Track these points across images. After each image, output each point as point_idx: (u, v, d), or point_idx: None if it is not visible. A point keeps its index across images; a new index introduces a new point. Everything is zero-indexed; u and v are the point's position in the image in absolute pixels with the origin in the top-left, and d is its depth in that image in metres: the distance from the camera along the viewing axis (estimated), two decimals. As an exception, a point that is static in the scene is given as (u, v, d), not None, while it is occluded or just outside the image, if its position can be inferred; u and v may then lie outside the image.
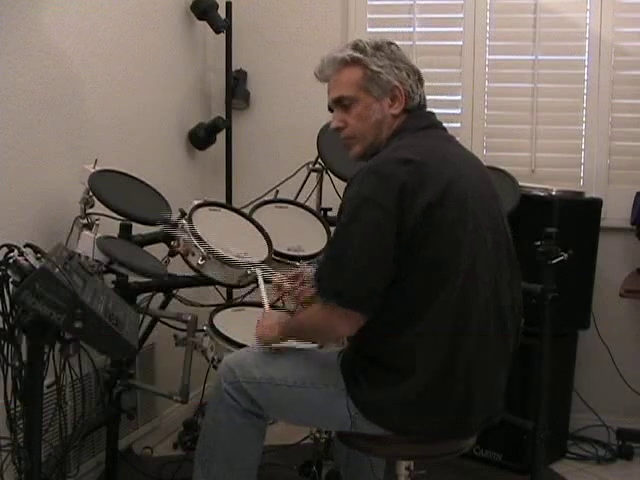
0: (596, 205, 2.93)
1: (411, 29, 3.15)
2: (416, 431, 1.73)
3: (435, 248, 1.65)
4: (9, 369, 1.66)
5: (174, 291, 2.49)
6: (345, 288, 1.65)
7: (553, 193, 2.79)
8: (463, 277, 1.67)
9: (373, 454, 1.90)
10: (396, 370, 1.69)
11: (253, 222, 2.46)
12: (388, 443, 1.77)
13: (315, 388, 1.78)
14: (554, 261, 2.34)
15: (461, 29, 3.15)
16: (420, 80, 1.83)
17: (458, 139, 1.92)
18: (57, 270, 1.57)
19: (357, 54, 1.78)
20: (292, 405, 1.82)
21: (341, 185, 2.87)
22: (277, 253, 2.39)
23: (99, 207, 2.20)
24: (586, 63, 3.07)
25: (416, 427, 1.72)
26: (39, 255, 1.65)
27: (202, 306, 2.52)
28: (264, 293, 2.11)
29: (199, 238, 2.20)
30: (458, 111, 3.15)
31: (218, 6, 3.19)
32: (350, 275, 1.64)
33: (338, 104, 1.83)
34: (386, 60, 1.78)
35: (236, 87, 3.34)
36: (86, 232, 2.06)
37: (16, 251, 1.59)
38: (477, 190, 1.75)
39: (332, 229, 2.62)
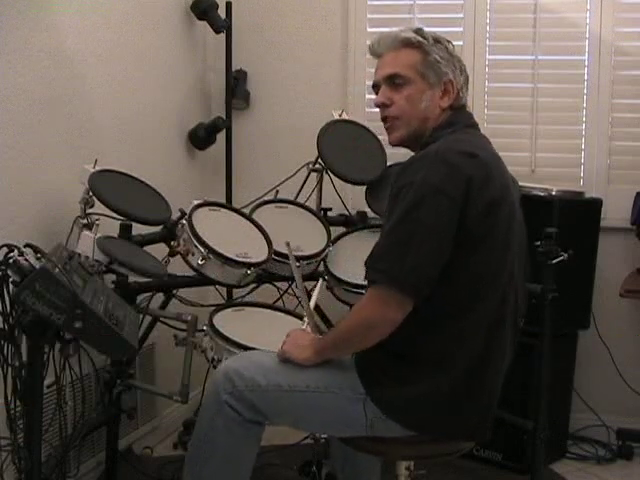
0: (596, 205, 2.93)
1: (411, 29, 3.15)
2: (440, 431, 1.72)
3: (489, 248, 1.65)
4: (9, 369, 1.67)
5: (174, 291, 2.49)
6: (406, 273, 1.59)
7: (553, 193, 2.79)
8: (506, 279, 1.69)
9: (373, 454, 1.90)
10: (425, 367, 1.68)
11: (253, 222, 2.46)
12: (389, 443, 1.76)
13: (330, 392, 1.73)
14: (554, 261, 2.34)
15: (461, 29, 3.16)
16: (468, 83, 1.84)
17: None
18: (57, 270, 1.57)
19: (419, 38, 1.77)
20: (304, 412, 1.77)
21: (341, 185, 2.88)
22: (277, 253, 2.39)
23: (99, 207, 2.20)
24: (586, 63, 3.07)
25: (441, 427, 1.70)
26: (39, 255, 1.64)
27: (202, 306, 2.52)
28: (311, 308, 2.05)
29: (199, 238, 2.21)
30: (458, 111, 3.15)
31: (218, 6, 3.20)
32: (414, 261, 1.59)
33: (389, 82, 1.79)
34: (445, 53, 1.78)
35: (236, 87, 3.34)
36: (86, 232, 2.06)
37: (16, 251, 1.59)
38: (515, 193, 1.77)
39: (332, 229, 2.63)
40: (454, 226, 1.61)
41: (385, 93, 1.80)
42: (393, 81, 1.78)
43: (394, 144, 1.84)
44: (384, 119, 1.82)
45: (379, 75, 1.82)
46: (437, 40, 1.79)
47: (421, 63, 1.76)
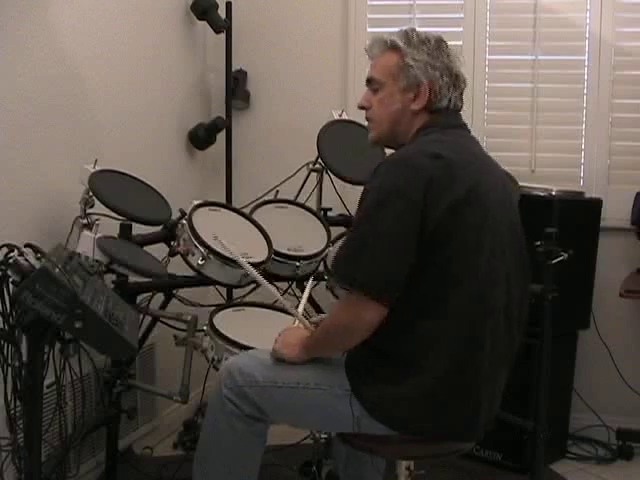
0: (596, 205, 2.93)
1: (411, 29, 3.15)
2: (423, 431, 1.72)
3: (456, 247, 1.65)
4: (9, 369, 1.67)
5: (174, 291, 2.49)
6: (366, 277, 1.62)
7: (553, 193, 2.79)
8: (480, 278, 1.68)
9: (373, 454, 1.90)
10: (406, 367, 1.68)
11: (253, 222, 2.46)
12: (388, 443, 1.76)
13: (320, 389, 1.76)
14: (554, 261, 2.34)
15: (461, 29, 3.16)
16: (456, 84, 1.81)
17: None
18: (57, 270, 1.57)
19: (399, 41, 1.78)
20: (296, 407, 1.80)
21: (341, 185, 2.88)
22: (277, 253, 2.39)
23: (99, 207, 2.20)
24: (586, 63, 3.07)
25: (423, 427, 1.70)
26: (39, 255, 1.65)
27: (202, 306, 2.52)
28: (302, 307, 2.07)
29: (199, 238, 2.21)
30: (458, 111, 3.15)
31: (218, 6, 3.20)
32: (372, 264, 1.62)
33: (369, 84, 1.85)
34: (425, 55, 1.77)
35: (236, 87, 3.34)
36: (86, 232, 2.06)
37: (16, 251, 1.59)
38: (498, 195, 1.76)
39: (332, 229, 2.63)
40: (416, 228, 1.62)
41: (365, 95, 1.86)
42: (372, 85, 1.84)
43: (371, 144, 1.90)
44: (366, 119, 1.88)
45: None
46: (423, 42, 1.78)
47: (395, 66, 1.78)
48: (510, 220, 1.79)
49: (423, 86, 1.76)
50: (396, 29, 1.84)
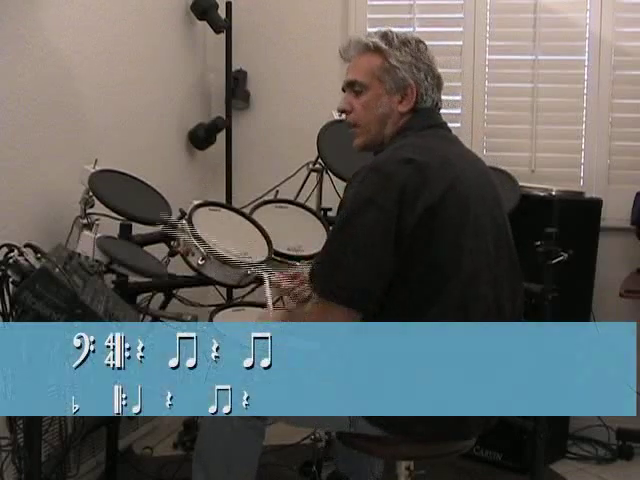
0: (596, 205, 2.93)
1: (411, 29, 3.15)
2: (415, 432, 1.72)
3: (435, 251, 1.64)
4: (9, 369, 1.67)
5: (174, 291, 2.49)
6: (341, 287, 1.63)
7: (553, 193, 2.79)
8: (464, 280, 1.67)
9: (373, 454, 1.90)
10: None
11: (253, 222, 2.46)
12: (388, 443, 1.76)
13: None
14: (554, 261, 2.34)
15: (461, 29, 3.15)
16: (439, 85, 1.80)
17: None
18: (57, 270, 1.57)
19: (381, 43, 1.75)
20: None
21: (341, 185, 2.87)
22: (277, 253, 2.39)
23: (99, 207, 2.20)
24: (586, 63, 3.07)
25: (415, 429, 1.70)
26: (39, 255, 1.65)
27: (202, 306, 2.52)
28: (269, 293, 2.09)
29: (199, 238, 2.20)
30: (458, 111, 3.15)
31: (218, 6, 3.20)
32: (347, 275, 1.63)
33: (350, 87, 1.81)
34: (409, 57, 1.75)
35: (236, 87, 3.35)
36: (86, 232, 2.06)
37: (16, 251, 1.59)
38: (479, 193, 1.74)
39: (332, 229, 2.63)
40: (391, 236, 1.61)
41: (346, 98, 1.82)
42: (353, 87, 1.80)
43: (357, 150, 1.87)
44: (348, 125, 1.85)
45: (344, 80, 1.83)
46: (404, 43, 1.76)
47: (379, 68, 1.75)
48: (496, 220, 1.78)
49: (410, 87, 1.75)
50: (395, 29, 1.81)
